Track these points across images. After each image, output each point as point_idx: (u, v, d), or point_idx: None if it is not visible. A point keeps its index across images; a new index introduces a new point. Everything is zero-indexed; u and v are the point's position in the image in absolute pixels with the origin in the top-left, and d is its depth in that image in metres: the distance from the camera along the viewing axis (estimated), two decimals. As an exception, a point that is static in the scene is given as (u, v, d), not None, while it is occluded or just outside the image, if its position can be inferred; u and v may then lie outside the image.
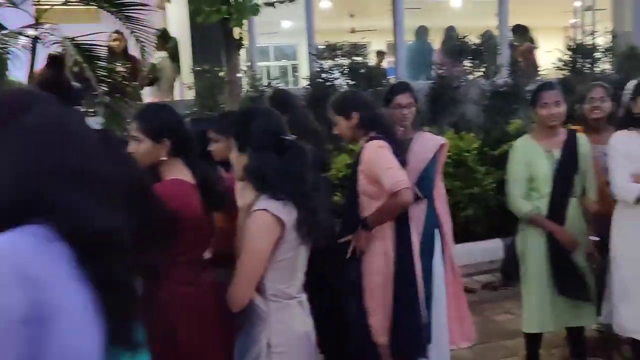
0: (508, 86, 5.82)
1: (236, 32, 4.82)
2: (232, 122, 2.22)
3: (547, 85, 3.34)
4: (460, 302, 3.34)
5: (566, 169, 3.24)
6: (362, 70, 5.63)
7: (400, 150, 2.93)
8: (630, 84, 3.22)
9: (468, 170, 5.12)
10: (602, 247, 3.23)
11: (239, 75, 5.10)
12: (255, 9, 4.59)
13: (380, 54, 9.79)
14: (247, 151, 1.99)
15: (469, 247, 4.91)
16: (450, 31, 7.00)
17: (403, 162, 2.85)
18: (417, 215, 3.20)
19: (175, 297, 1.96)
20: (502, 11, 6.89)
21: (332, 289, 2.86)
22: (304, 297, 2.13)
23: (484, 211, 5.10)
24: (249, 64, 5.96)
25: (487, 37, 6.47)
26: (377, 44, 10.39)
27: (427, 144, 3.28)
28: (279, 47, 13.30)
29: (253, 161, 1.97)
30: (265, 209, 1.91)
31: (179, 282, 1.98)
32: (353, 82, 5.56)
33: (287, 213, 1.93)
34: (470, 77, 5.99)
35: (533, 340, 3.44)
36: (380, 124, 2.93)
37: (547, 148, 3.27)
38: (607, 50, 6.39)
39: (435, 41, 7.45)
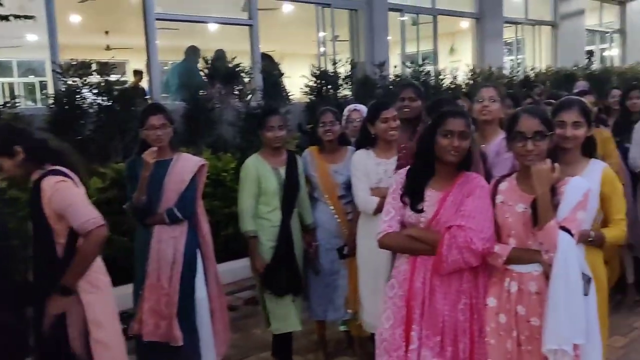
0: (261, 108, 6.12)
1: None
2: None
3: (272, 111, 3.71)
4: (223, 317, 3.52)
5: (291, 184, 3.62)
6: (116, 90, 5.41)
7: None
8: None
9: (227, 189, 5.25)
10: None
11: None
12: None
13: (138, 73, 9.53)
14: None
15: (230, 265, 5.03)
16: (190, 52, 7.15)
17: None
18: (177, 236, 3.28)
19: None
20: (254, 37, 7.24)
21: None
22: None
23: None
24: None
25: (217, 56, 6.75)
26: (136, 62, 10.10)
27: (186, 164, 3.37)
28: (24, 62, 12.18)
29: None
30: None
31: None
32: (108, 102, 5.33)
33: None
34: (228, 99, 6.15)
35: (283, 342, 3.74)
36: (52, 152, 2.65)
37: (274, 166, 3.60)
38: (346, 77, 7.11)
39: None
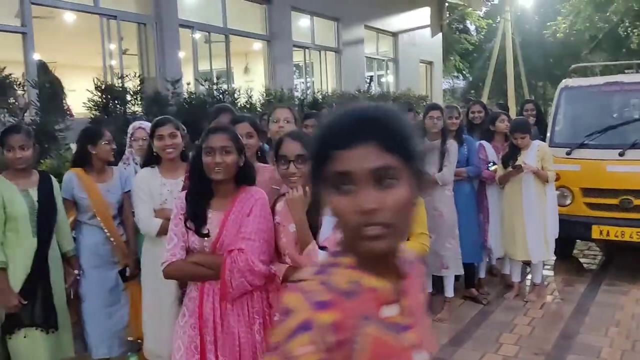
0: (36, 124, 5.54)
1: None
2: None
3: (12, 129, 3.37)
4: None
5: (46, 207, 3.32)
6: None
7: None
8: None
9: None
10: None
11: None
12: None
13: None
14: None
15: None
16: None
17: None
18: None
19: None
20: (28, 45, 6.57)
21: None
22: None
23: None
24: None
25: None
26: None
27: None
28: None
29: None
30: None
31: None
32: None
33: None
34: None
35: None
36: None
37: (22, 187, 3.29)
38: (135, 93, 6.78)
39: None
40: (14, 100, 5.62)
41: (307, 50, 11.66)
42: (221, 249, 2.41)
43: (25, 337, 3.20)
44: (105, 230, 3.58)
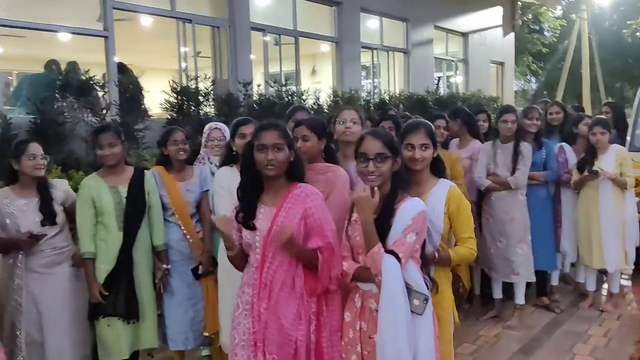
0: (116, 124, 5.81)
1: None
2: None
3: (104, 128, 3.56)
4: None
5: (134, 203, 3.47)
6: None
7: None
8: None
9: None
10: None
11: None
12: None
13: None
14: None
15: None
16: (51, 64, 6.60)
17: None
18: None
19: None
20: (109, 49, 6.88)
21: None
22: None
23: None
24: None
25: (69, 68, 6.39)
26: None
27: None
28: None
29: None
30: None
31: None
32: None
33: None
34: (81, 113, 5.76)
35: None
36: None
37: (112, 185, 3.45)
38: (207, 94, 6.99)
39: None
40: (95, 101, 5.92)
41: (375, 51, 11.63)
42: (272, 244, 2.45)
43: (108, 325, 3.37)
44: (183, 228, 3.71)
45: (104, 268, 3.38)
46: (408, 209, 2.39)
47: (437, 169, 2.85)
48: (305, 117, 3.57)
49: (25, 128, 5.29)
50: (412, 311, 2.32)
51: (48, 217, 3.35)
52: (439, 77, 13.25)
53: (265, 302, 2.44)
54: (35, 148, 3.37)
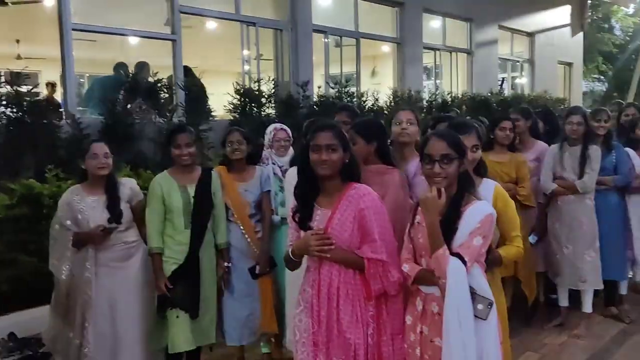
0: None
1: None
2: None
3: (180, 128, 3.64)
4: None
5: (201, 203, 3.55)
6: (27, 102, 5.14)
7: None
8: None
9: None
10: None
11: None
12: None
13: (51, 85, 9.11)
14: None
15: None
16: (120, 67, 6.87)
17: None
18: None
19: None
20: (176, 52, 7.09)
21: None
22: None
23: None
24: None
25: (139, 68, 6.61)
26: (49, 73, 9.65)
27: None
28: None
29: None
30: None
31: None
32: (18, 114, 5.05)
33: None
34: (149, 114, 5.97)
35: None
36: None
37: (181, 183, 3.53)
38: (269, 96, 7.09)
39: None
40: (162, 102, 6.12)
41: (437, 51, 11.49)
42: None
43: (177, 317, 3.46)
44: (241, 227, 3.78)
45: (170, 262, 3.48)
46: (476, 211, 2.34)
47: (479, 169, 2.90)
48: (346, 118, 3.58)
49: (96, 129, 5.53)
50: (475, 316, 2.28)
51: (114, 215, 3.47)
52: (503, 78, 12.94)
53: (324, 304, 2.46)
54: (98, 148, 3.44)
